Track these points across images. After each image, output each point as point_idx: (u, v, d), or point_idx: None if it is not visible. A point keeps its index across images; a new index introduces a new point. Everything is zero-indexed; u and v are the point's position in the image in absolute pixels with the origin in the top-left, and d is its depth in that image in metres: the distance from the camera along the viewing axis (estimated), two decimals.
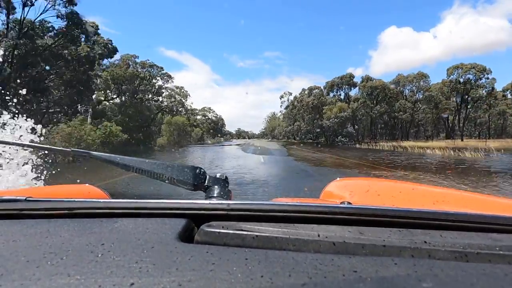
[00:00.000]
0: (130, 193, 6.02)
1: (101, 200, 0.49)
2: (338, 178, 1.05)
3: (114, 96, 34.41)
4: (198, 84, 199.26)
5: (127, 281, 0.27)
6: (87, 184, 0.94)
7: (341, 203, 0.54)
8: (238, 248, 0.34)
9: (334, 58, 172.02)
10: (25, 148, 1.76)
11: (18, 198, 0.50)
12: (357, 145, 33.35)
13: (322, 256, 0.32)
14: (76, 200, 0.50)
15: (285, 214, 0.41)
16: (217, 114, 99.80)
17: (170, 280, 0.27)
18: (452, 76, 39.44)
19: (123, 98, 34.60)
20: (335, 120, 37.79)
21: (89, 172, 8.49)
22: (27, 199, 0.50)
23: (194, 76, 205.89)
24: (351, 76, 44.92)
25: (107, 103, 34.86)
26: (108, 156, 0.68)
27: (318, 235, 0.36)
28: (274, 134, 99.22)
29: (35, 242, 0.36)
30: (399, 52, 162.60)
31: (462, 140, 37.04)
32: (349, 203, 0.53)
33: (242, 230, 0.38)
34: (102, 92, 31.56)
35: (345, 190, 0.95)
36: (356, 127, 38.36)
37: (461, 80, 38.49)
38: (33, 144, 0.79)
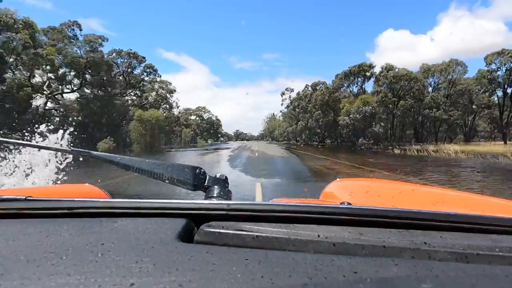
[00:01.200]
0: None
1: (101, 200, 0.50)
2: (338, 179, 1.06)
3: (76, 88, 26.97)
4: (197, 85, 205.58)
5: (127, 281, 0.27)
6: (87, 184, 0.95)
7: (340, 203, 0.54)
8: (238, 248, 0.34)
9: (333, 60, 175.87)
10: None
11: (18, 197, 0.50)
12: (394, 150, 23.22)
13: (322, 256, 0.32)
14: (76, 199, 0.50)
15: (285, 214, 0.41)
16: (213, 114, 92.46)
17: (170, 280, 0.27)
18: (492, 66, 32.32)
19: (96, 90, 27.57)
20: (357, 116, 28.40)
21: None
22: (27, 198, 0.50)
23: (193, 78, 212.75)
24: (371, 66, 36.04)
25: (66, 95, 27.41)
26: (109, 156, 0.69)
27: (318, 236, 0.36)
28: (274, 135, 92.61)
29: (35, 241, 0.36)
30: (397, 55, 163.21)
31: (505, 142, 29.89)
32: (349, 203, 0.53)
33: (242, 230, 0.38)
34: (43, 76, 23.80)
35: (345, 191, 0.95)
36: (383, 124, 30.35)
37: (504, 69, 31.34)
38: (33, 144, 0.80)
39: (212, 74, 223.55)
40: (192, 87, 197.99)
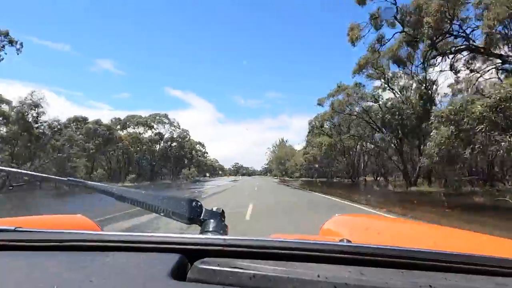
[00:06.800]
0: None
1: (93, 232, 0.49)
2: (336, 214, 1.05)
3: None
4: (202, 122, 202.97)
5: None
6: (79, 215, 0.91)
7: (340, 240, 0.52)
8: None
9: None
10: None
11: (6, 228, 0.48)
12: None
13: None
14: (66, 231, 0.49)
15: (283, 251, 0.40)
16: (183, 130, 52.25)
17: None
18: None
19: None
20: None
21: None
22: (16, 229, 0.48)
23: (198, 115, 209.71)
24: None
25: None
26: (104, 187, 0.67)
27: (318, 276, 0.34)
28: (286, 168, 54.59)
29: (21, 276, 0.35)
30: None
31: None
32: (349, 240, 0.52)
33: (238, 268, 0.36)
34: None
35: (344, 227, 0.94)
36: None
37: None
38: (30, 172, 0.80)
39: (217, 111, 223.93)
40: (197, 123, 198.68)
